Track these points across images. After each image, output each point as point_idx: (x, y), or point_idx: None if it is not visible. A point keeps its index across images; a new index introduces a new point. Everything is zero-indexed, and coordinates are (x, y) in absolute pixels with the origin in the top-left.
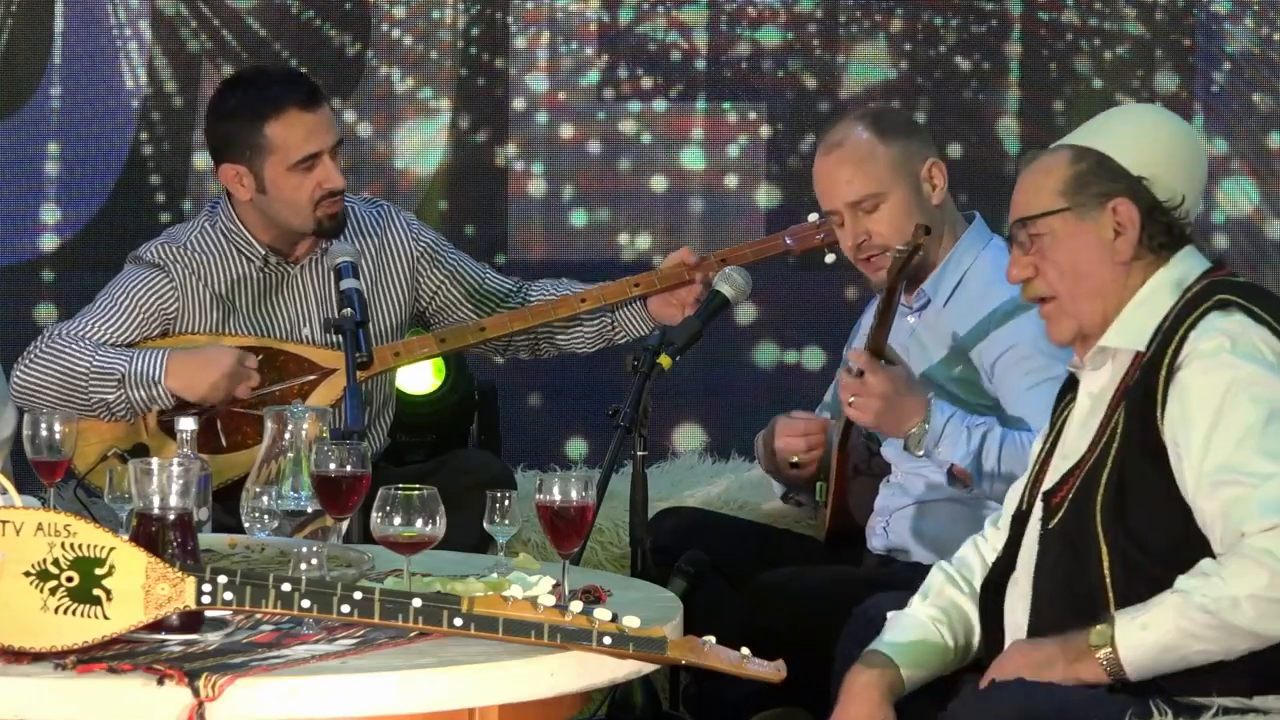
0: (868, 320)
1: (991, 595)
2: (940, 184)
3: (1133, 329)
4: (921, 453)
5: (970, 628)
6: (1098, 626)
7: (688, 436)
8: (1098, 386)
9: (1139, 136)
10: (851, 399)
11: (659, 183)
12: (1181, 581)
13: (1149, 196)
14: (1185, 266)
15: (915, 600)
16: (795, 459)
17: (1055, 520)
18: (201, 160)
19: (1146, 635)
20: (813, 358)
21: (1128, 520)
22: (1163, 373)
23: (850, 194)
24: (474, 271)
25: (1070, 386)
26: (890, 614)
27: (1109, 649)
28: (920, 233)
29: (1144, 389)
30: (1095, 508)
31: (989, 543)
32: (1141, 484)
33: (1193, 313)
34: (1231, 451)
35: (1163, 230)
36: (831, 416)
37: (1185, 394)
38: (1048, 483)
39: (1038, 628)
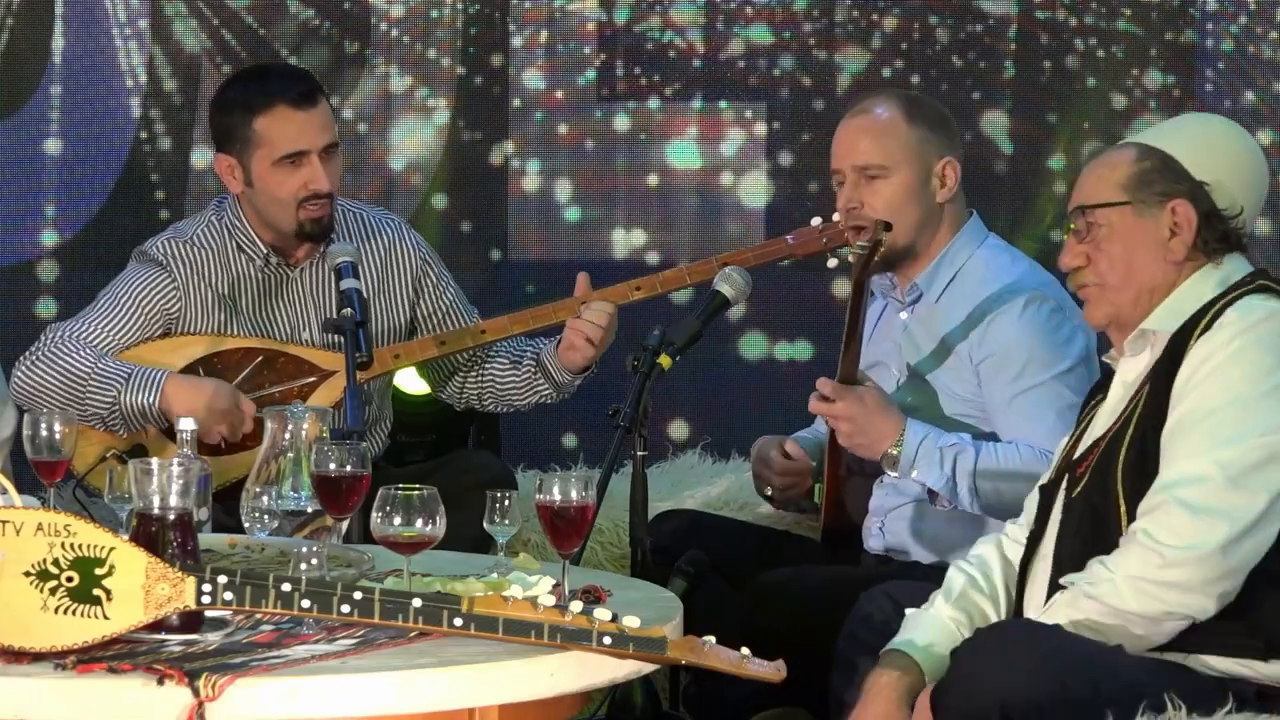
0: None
1: (1024, 570)
2: (950, 184)
3: (1174, 313)
4: (898, 474)
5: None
6: None
7: (687, 436)
8: (1133, 375)
9: (1206, 144)
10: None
11: (656, 181)
12: (1067, 579)
13: (1208, 202)
14: (1232, 267)
15: (939, 601)
16: (769, 491)
17: (1079, 488)
18: (202, 159)
19: None
20: (812, 356)
21: (1149, 482)
22: (1191, 342)
23: (858, 158)
24: (462, 318)
25: (1099, 388)
26: (910, 611)
27: None
28: (879, 229)
29: (1170, 357)
30: (1117, 470)
31: (1011, 538)
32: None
33: (1232, 294)
34: (1182, 428)
35: (1217, 236)
36: None
37: (1192, 360)
38: (1075, 454)
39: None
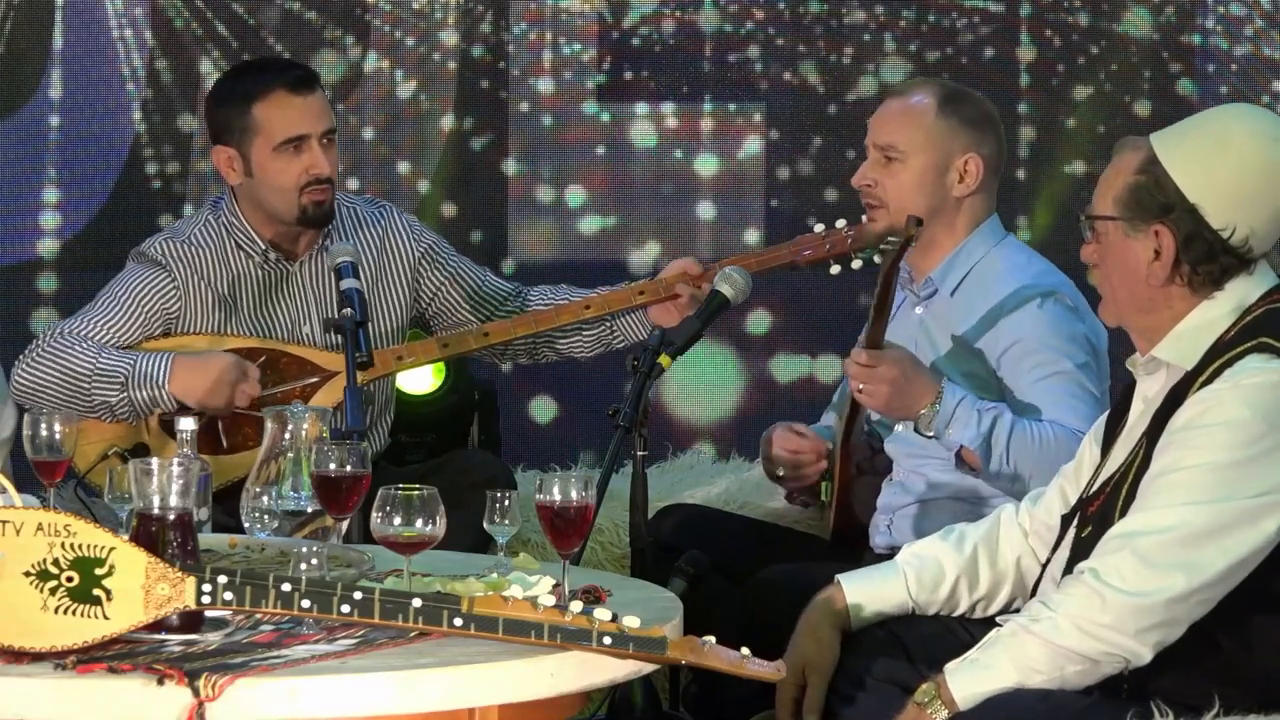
0: None
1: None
2: (970, 180)
3: (1187, 346)
4: (932, 434)
5: (940, 578)
6: (923, 685)
7: (687, 437)
8: (1152, 391)
9: (1209, 158)
10: (861, 386)
11: (660, 184)
12: (1003, 617)
13: (1194, 225)
14: (1245, 290)
15: (904, 548)
16: (780, 472)
17: (1086, 531)
18: (202, 161)
19: (976, 670)
20: (813, 358)
21: None
22: (1192, 390)
23: (881, 137)
24: (474, 275)
25: (1120, 411)
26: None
27: (937, 698)
28: (911, 224)
29: (1172, 402)
30: (1114, 521)
31: (1019, 516)
32: None
33: (1237, 347)
34: (1158, 479)
35: (1205, 259)
36: (839, 414)
37: (1186, 412)
38: (1090, 490)
39: None
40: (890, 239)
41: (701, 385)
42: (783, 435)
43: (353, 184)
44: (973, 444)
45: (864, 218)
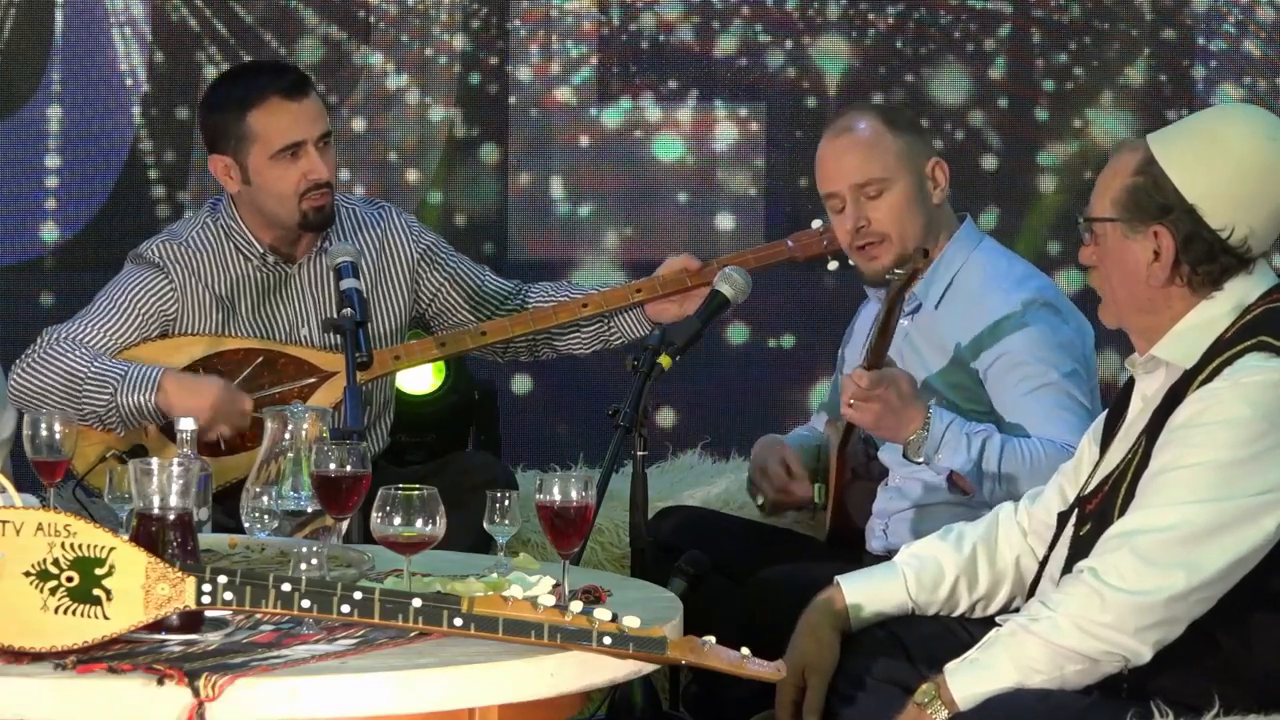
0: (861, 322)
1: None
2: (942, 183)
3: (1186, 345)
4: (921, 459)
5: (940, 578)
6: (923, 685)
7: (686, 436)
8: (1151, 390)
9: (1205, 157)
10: (852, 402)
11: (655, 181)
12: (1002, 616)
13: (1193, 225)
14: (1244, 289)
15: (903, 548)
16: (759, 500)
17: (1085, 528)
18: (201, 160)
19: (976, 670)
20: (807, 355)
21: None
22: (1192, 389)
23: (856, 176)
24: (473, 274)
25: (1119, 407)
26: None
27: (937, 699)
28: (919, 256)
29: (1172, 400)
30: (1114, 518)
31: (1018, 515)
32: None
33: (1237, 345)
34: (1157, 477)
35: (1204, 259)
36: (830, 418)
37: (1185, 410)
38: (1088, 488)
39: None
40: (896, 270)
41: (697, 382)
42: (776, 470)
43: (348, 179)
44: (964, 469)
45: (865, 259)
